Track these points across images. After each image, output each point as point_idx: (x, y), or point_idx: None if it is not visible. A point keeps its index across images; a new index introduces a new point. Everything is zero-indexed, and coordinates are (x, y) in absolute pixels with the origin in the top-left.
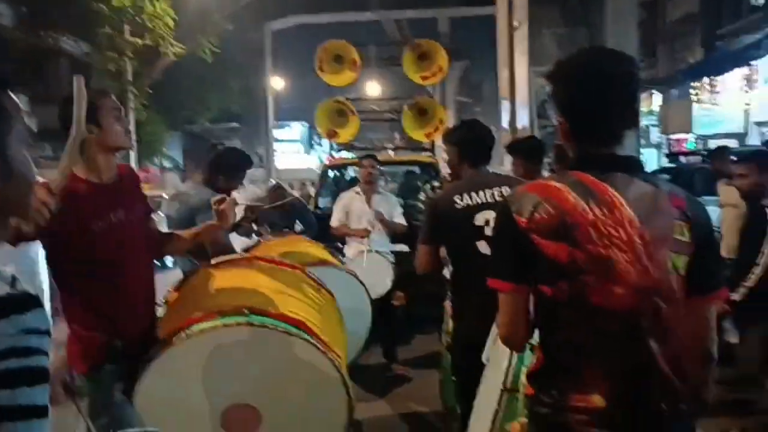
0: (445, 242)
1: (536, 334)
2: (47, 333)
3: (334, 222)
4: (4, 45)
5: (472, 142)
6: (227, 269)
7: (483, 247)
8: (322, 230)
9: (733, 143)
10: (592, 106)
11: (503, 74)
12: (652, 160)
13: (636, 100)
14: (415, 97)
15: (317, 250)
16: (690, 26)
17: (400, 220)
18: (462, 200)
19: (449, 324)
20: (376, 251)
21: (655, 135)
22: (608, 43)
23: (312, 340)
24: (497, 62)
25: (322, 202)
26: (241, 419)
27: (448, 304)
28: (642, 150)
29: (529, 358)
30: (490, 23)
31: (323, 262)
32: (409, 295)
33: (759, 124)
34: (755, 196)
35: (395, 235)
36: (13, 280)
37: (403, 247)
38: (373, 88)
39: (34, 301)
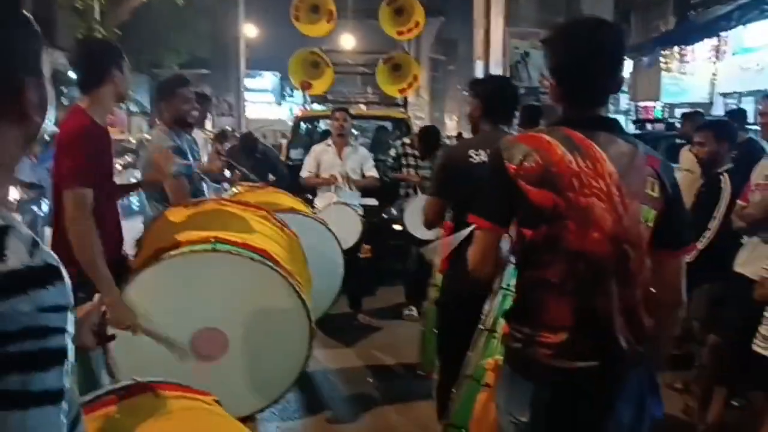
0: (454, 195)
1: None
2: (67, 307)
3: (304, 173)
4: None
5: (497, 99)
6: (194, 209)
7: None
8: (294, 181)
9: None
10: (581, 71)
11: (478, 34)
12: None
13: (621, 68)
14: (390, 51)
15: (291, 201)
16: None
17: (372, 172)
18: (477, 155)
19: (436, 277)
20: (345, 203)
21: (624, 102)
22: (584, 9)
23: (274, 267)
24: (473, 21)
25: (294, 154)
26: (209, 343)
27: (436, 259)
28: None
29: (508, 303)
30: None
31: (295, 210)
32: (375, 248)
33: (724, 95)
34: (711, 163)
35: (367, 188)
36: (33, 246)
37: (372, 201)
38: (347, 41)
39: (55, 273)
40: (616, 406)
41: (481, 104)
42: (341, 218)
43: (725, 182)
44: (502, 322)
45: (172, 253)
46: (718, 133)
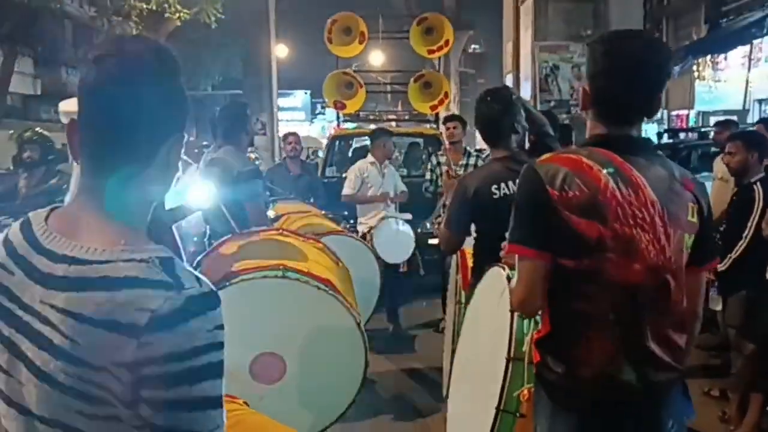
0: (477, 226)
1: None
2: (223, 327)
3: (347, 190)
4: (7, 5)
5: (483, 120)
6: (259, 237)
7: None
8: (329, 199)
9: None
10: (621, 83)
11: (508, 48)
12: (652, 135)
13: (661, 91)
14: (421, 69)
15: (330, 223)
16: (694, 3)
17: (403, 187)
18: (500, 190)
19: (461, 295)
20: (397, 218)
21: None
22: (613, 19)
23: (338, 297)
24: (502, 35)
25: (329, 171)
26: (268, 367)
27: (459, 276)
28: (644, 126)
29: (529, 326)
30: None
31: (338, 232)
32: (412, 262)
33: (760, 101)
34: (742, 173)
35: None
36: (197, 277)
37: (407, 216)
38: (376, 58)
39: (216, 297)
40: (662, 423)
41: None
42: (400, 232)
43: (758, 192)
44: (524, 347)
45: (244, 276)
46: (748, 142)
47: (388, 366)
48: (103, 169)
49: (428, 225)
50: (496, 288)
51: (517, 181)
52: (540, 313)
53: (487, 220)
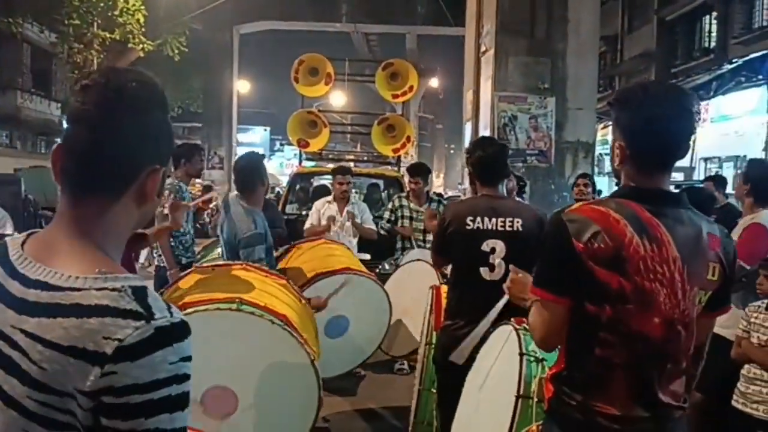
0: (452, 257)
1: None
2: (190, 358)
3: (308, 225)
4: None
5: (480, 163)
6: (222, 271)
7: (486, 273)
8: (290, 235)
9: (680, 177)
10: (659, 138)
11: (468, 97)
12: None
13: (694, 134)
14: (382, 112)
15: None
16: (646, 63)
17: (371, 225)
18: (474, 222)
19: (432, 336)
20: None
21: (608, 164)
22: (570, 75)
23: (293, 333)
24: (463, 83)
25: (290, 208)
26: (219, 401)
27: (432, 317)
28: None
29: (537, 369)
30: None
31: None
32: None
33: (705, 159)
34: None
35: (364, 240)
36: (169, 307)
37: (365, 256)
38: (338, 99)
39: (187, 328)
40: None
41: (471, 170)
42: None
43: None
44: (532, 387)
45: (199, 308)
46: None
47: (344, 407)
48: (79, 195)
49: (386, 266)
50: (501, 338)
51: (545, 228)
52: (550, 352)
53: (460, 250)
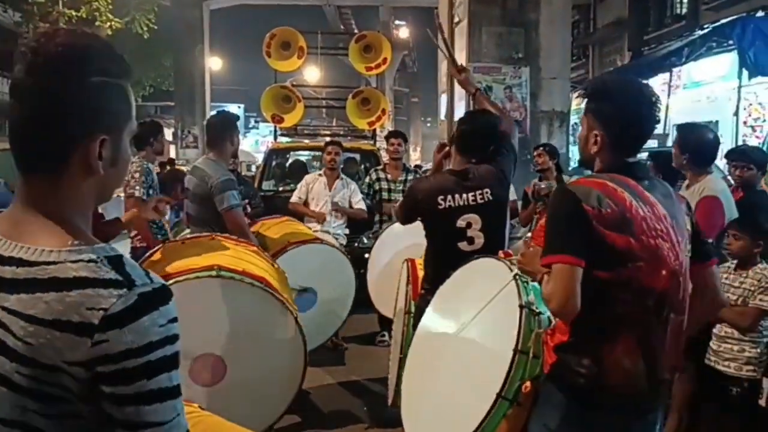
0: (426, 230)
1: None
2: (177, 320)
3: (294, 198)
4: None
5: (464, 134)
6: (192, 242)
7: (464, 246)
8: (266, 211)
9: (654, 143)
10: (636, 124)
11: (443, 68)
12: (577, 155)
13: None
14: (357, 86)
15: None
16: (619, 31)
17: (361, 206)
18: (445, 201)
19: (411, 305)
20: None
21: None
22: (543, 44)
23: (275, 294)
24: (436, 55)
25: (266, 185)
26: (207, 369)
27: (409, 287)
28: (572, 147)
29: (534, 323)
30: (428, 15)
31: (319, 240)
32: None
33: (678, 125)
34: None
35: (354, 220)
36: (147, 273)
37: (345, 230)
38: (312, 74)
39: (169, 291)
40: (658, 424)
41: (456, 143)
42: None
43: None
44: (529, 342)
45: (179, 278)
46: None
47: (327, 380)
48: (24, 172)
49: (365, 240)
50: (494, 280)
51: (549, 200)
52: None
53: (434, 228)
